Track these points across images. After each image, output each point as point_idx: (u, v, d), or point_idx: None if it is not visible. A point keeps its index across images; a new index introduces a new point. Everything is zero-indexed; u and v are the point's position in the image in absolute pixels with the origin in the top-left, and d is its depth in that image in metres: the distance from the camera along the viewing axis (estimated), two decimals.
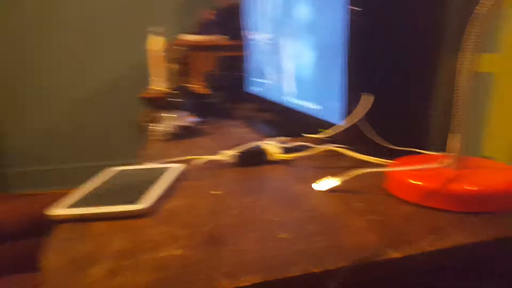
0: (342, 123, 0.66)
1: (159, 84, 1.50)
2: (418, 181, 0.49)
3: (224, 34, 1.80)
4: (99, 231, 0.45)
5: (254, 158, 0.66)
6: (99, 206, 0.49)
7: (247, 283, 0.33)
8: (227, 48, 1.71)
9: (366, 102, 0.62)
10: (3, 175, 2.80)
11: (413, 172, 0.51)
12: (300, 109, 0.83)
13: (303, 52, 0.80)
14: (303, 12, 0.78)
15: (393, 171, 0.53)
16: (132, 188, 0.55)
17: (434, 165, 0.52)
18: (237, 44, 1.75)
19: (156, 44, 1.55)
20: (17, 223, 1.25)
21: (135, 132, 2.73)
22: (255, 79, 1.14)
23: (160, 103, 1.37)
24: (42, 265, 0.39)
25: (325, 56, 0.70)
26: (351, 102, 0.63)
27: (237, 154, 0.66)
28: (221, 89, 1.45)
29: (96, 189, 0.56)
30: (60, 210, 0.49)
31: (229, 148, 0.69)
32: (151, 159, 0.73)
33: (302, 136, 0.76)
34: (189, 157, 0.70)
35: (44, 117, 2.76)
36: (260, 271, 0.35)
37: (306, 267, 0.35)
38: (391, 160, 0.59)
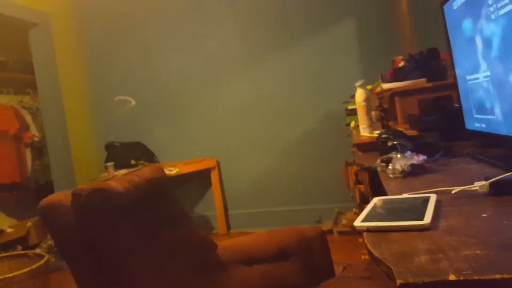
0: None
1: (367, 130, 1.68)
2: None
3: (422, 77, 1.89)
4: (397, 238, 0.61)
5: (507, 188, 0.73)
6: (390, 221, 0.66)
7: None
8: (428, 90, 1.79)
9: None
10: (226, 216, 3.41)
11: None
12: None
13: None
14: None
15: None
16: (409, 209, 0.71)
17: None
18: (437, 85, 1.82)
19: (360, 95, 1.76)
20: (264, 251, 1.57)
21: (331, 177, 2.98)
22: (476, 116, 1.18)
23: (372, 147, 1.54)
24: (372, 256, 0.58)
25: None
26: None
27: (488, 183, 0.75)
28: (431, 129, 1.52)
29: (377, 210, 0.74)
30: (362, 223, 0.68)
31: (465, 181, 0.78)
32: (400, 192, 0.88)
33: None
34: (438, 188, 0.82)
35: (256, 166, 3.29)
36: None
37: None
38: None
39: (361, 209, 1.89)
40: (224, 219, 3.35)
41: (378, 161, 1.21)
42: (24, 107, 3.78)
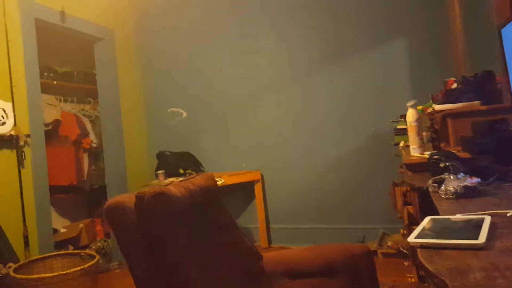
0: None
1: (417, 151, 1.67)
2: None
3: (476, 99, 1.86)
4: (451, 255, 0.64)
5: None
6: (444, 239, 0.68)
7: None
8: (482, 113, 1.76)
9: None
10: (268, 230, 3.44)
11: None
12: None
13: None
14: None
15: None
16: (463, 229, 0.72)
17: None
18: (492, 108, 1.78)
19: (411, 115, 1.75)
20: (309, 265, 1.59)
21: (377, 197, 2.94)
22: None
23: (423, 167, 1.53)
24: (426, 271, 0.60)
25: None
26: None
27: None
28: (484, 152, 1.49)
29: (431, 228, 0.76)
30: (415, 239, 0.70)
31: None
32: (452, 213, 0.89)
33: None
34: (493, 211, 0.83)
35: (300, 181, 3.31)
36: None
37: None
38: None
39: (410, 230, 1.87)
40: (265, 233, 3.39)
41: (430, 181, 1.22)
42: (84, 115, 4.08)
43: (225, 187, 3.18)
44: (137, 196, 1.22)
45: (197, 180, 1.52)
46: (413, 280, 1.91)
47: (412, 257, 1.92)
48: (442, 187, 1.11)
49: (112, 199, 1.25)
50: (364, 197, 3.08)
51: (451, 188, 1.09)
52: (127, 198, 1.27)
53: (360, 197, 3.09)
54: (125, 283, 2.97)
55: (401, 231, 2.07)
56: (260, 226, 3.37)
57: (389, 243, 2.80)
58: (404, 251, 2.62)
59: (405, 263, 2.27)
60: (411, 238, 0.72)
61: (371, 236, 2.98)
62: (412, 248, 1.74)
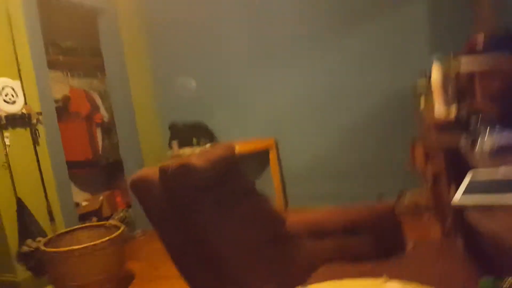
0: None
1: (443, 109, 1.61)
2: None
3: (504, 56, 1.77)
4: (499, 215, 0.61)
5: None
6: (491, 195, 0.65)
7: None
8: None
9: None
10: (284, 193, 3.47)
11: None
12: None
13: None
14: None
15: None
16: (509, 184, 0.69)
17: None
18: None
19: (436, 73, 1.68)
20: (334, 224, 1.60)
21: (394, 156, 2.91)
22: None
23: (449, 125, 1.48)
24: (479, 231, 0.58)
25: None
26: None
27: None
28: None
29: (475, 186, 0.73)
30: (461, 199, 0.68)
31: None
32: (492, 169, 0.85)
33: None
34: None
35: (314, 145, 3.29)
36: None
37: None
38: None
39: (434, 192, 1.84)
40: (282, 197, 3.41)
41: (462, 139, 1.18)
42: (93, 89, 4.04)
43: (240, 156, 3.17)
44: (160, 169, 1.20)
45: (217, 150, 1.50)
46: (436, 236, 1.91)
47: (436, 213, 1.91)
48: (478, 144, 1.07)
49: (136, 173, 1.25)
50: (381, 156, 3.05)
51: (486, 145, 1.06)
52: (150, 172, 1.26)
53: (377, 156, 3.07)
54: (151, 248, 3.05)
55: (421, 190, 2.05)
56: (276, 191, 3.39)
57: (407, 202, 2.80)
58: (423, 208, 2.62)
59: (425, 220, 2.27)
60: (456, 197, 0.69)
61: (389, 195, 2.96)
62: (446, 206, 1.73)
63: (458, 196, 0.71)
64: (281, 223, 1.58)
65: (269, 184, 3.42)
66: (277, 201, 3.41)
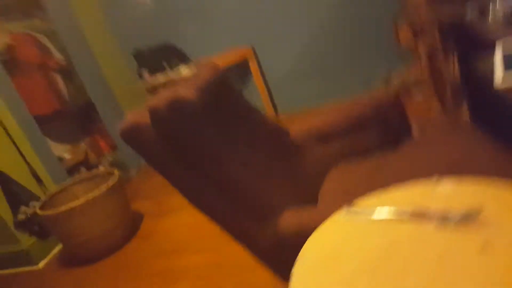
0: None
1: None
2: None
3: None
4: None
5: None
6: None
7: None
8: None
9: None
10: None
11: None
12: None
13: None
14: None
15: None
16: None
17: None
18: None
19: None
20: (339, 126, 1.56)
21: (376, 37, 2.78)
22: None
23: None
24: None
25: None
26: None
27: None
28: None
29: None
30: (506, 77, 0.59)
31: None
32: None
33: None
34: None
35: (295, 47, 3.09)
36: None
37: None
38: None
39: (431, 68, 1.78)
40: (270, 105, 3.33)
41: (469, 8, 1.06)
42: (38, 31, 3.60)
43: (225, 73, 2.98)
44: (150, 112, 1.08)
45: (201, 74, 1.36)
46: (436, 113, 1.90)
47: (435, 90, 1.86)
48: (489, 12, 0.96)
49: (123, 122, 1.12)
50: (364, 42, 2.91)
51: (499, 12, 0.95)
52: (138, 116, 1.13)
53: (360, 43, 2.93)
54: (148, 186, 3.05)
55: (409, 67, 1.99)
56: (264, 101, 3.29)
57: (396, 81, 2.75)
58: (413, 86, 2.59)
59: (420, 98, 2.26)
60: (499, 77, 0.60)
61: (377, 78, 2.90)
62: (446, 82, 1.67)
63: (500, 75, 0.62)
64: (286, 135, 1.52)
65: (255, 94, 3.30)
66: (266, 109, 3.34)
